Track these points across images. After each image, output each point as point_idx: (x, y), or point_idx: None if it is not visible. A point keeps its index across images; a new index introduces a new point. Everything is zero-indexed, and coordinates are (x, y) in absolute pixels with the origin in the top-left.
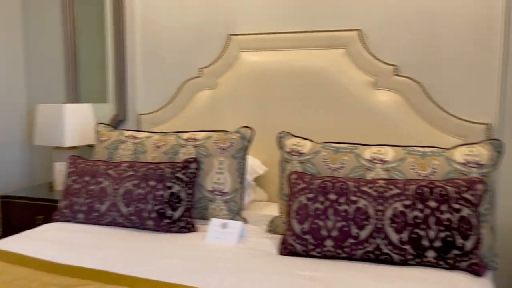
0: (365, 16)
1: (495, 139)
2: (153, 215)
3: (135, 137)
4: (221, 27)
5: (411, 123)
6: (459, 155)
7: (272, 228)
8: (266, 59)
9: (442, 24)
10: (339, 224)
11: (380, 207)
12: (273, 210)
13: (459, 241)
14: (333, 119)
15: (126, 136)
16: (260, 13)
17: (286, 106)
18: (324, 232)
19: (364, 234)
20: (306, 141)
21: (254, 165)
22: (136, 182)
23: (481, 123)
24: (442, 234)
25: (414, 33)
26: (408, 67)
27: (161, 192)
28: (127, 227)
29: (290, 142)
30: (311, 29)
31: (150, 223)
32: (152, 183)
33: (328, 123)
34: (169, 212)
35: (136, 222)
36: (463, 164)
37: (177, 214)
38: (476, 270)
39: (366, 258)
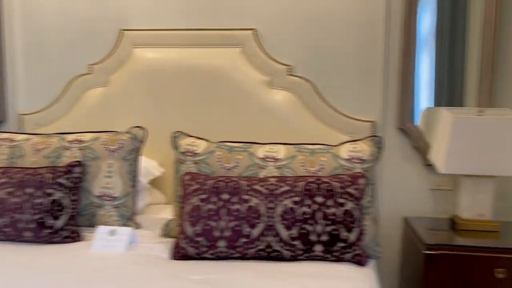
0: (260, 15)
1: (376, 136)
2: (32, 225)
3: (12, 140)
4: (113, 21)
5: (304, 121)
6: (344, 151)
7: (166, 232)
8: (161, 56)
9: (331, 26)
10: (231, 224)
11: (271, 205)
12: (170, 213)
13: (344, 233)
14: (231, 118)
15: (1, 139)
16: (154, 8)
17: (183, 104)
18: (216, 233)
19: (256, 232)
20: (201, 140)
21: (150, 166)
22: (10, 190)
23: (367, 121)
24: (329, 228)
25: (306, 34)
26: (301, 67)
27: (40, 200)
28: (1, 240)
29: (184, 142)
30: (207, 27)
31: (28, 234)
32: (29, 190)
33: (225, 122)
34: (50, 221)
35: (12, 235)
36: (348, 160)
37: (59, 223)
38: (359, 261)
39: (258, 256)
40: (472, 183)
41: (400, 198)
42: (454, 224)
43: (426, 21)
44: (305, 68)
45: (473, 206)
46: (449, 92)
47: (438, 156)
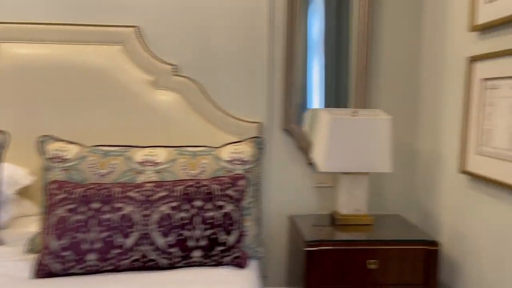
0: (142, 12)
1: (257, 137)
2: None
3: None
4: None
5: (192, 123)
6: (226, 153)
7: (32, 248)
8: (33, 52)
9: (216, 26)
10: (102, 235)
11: (146, 212)
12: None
13: (223, 237)
14: (111, 120)
15: None
16: None
17: (58, 105)
18: (85, 246)
19: (129, 242)
20: (72, 145)
21: (17, 175)
22: None
23: (254, 122)
24: (207, 232)
25: (192, 33)
26: (187, 67)
27: None
28: None
29: (52, 147)
30: (86, 22)
31: None
32: None
33: (105, 124)
34: None
35: None
36: (229, 161)
37: None
38: (239, 263)
39: (133, 267)
40: (349, 180)
41: (286, 197)
42: (334, 220)
43: (316, 26)
44: (191, 68)
45: (350, 202)
46: (336, 94)
47: (318, 155)
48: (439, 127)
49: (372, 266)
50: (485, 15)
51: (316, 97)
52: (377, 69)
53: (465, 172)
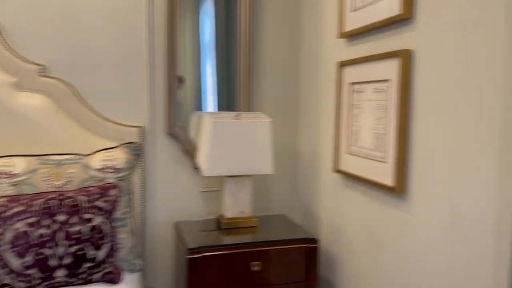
0: (2, 6)
1: (132, 142)
2: None
3: None
4: None
5: (63, 129)
6: (97, 161)
7: None
8: None
9: (91, 26)
10: None
11: None
12: None
13: (91, 252)
14: None
15: None
16: None
17: None
18: None
19: None
20: None
21: None
22: None
23: (135, 126)
24: (73, 249)
25: (63, 32)
26: (57, 68)
27: None
28: None
29: None
30: None
31: None
32: None
33: None
34: None
35: None
36: (100, 170)
37: None
38: (111, 279)
39: None
40: (233, 183)
41: (172, 203)
42: (219, 224)
43: (208, 27)
44: (62, 69)
45: (235, 205)
46: (228, 98)
47: (202, 159)
48: (317, 128)
49: (256, 268)
50: (351, 23)
51: (210, 100)
52: (260, 73)
53: (338, 171)
